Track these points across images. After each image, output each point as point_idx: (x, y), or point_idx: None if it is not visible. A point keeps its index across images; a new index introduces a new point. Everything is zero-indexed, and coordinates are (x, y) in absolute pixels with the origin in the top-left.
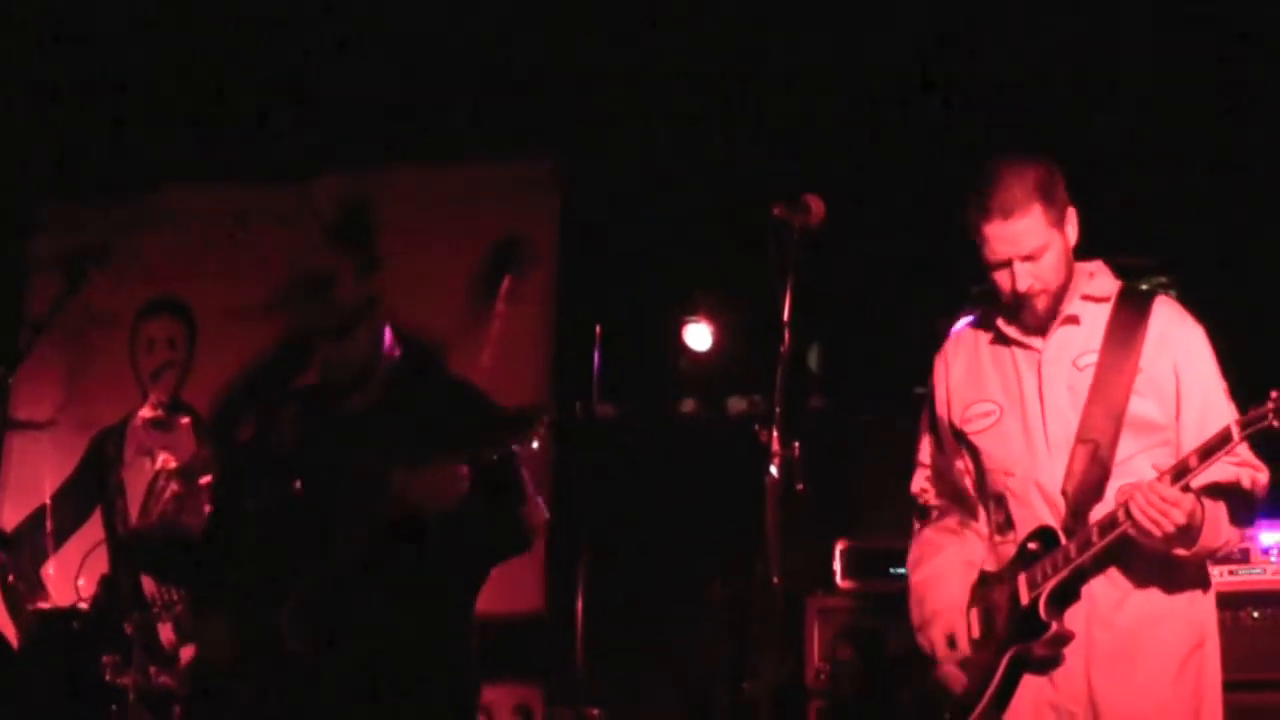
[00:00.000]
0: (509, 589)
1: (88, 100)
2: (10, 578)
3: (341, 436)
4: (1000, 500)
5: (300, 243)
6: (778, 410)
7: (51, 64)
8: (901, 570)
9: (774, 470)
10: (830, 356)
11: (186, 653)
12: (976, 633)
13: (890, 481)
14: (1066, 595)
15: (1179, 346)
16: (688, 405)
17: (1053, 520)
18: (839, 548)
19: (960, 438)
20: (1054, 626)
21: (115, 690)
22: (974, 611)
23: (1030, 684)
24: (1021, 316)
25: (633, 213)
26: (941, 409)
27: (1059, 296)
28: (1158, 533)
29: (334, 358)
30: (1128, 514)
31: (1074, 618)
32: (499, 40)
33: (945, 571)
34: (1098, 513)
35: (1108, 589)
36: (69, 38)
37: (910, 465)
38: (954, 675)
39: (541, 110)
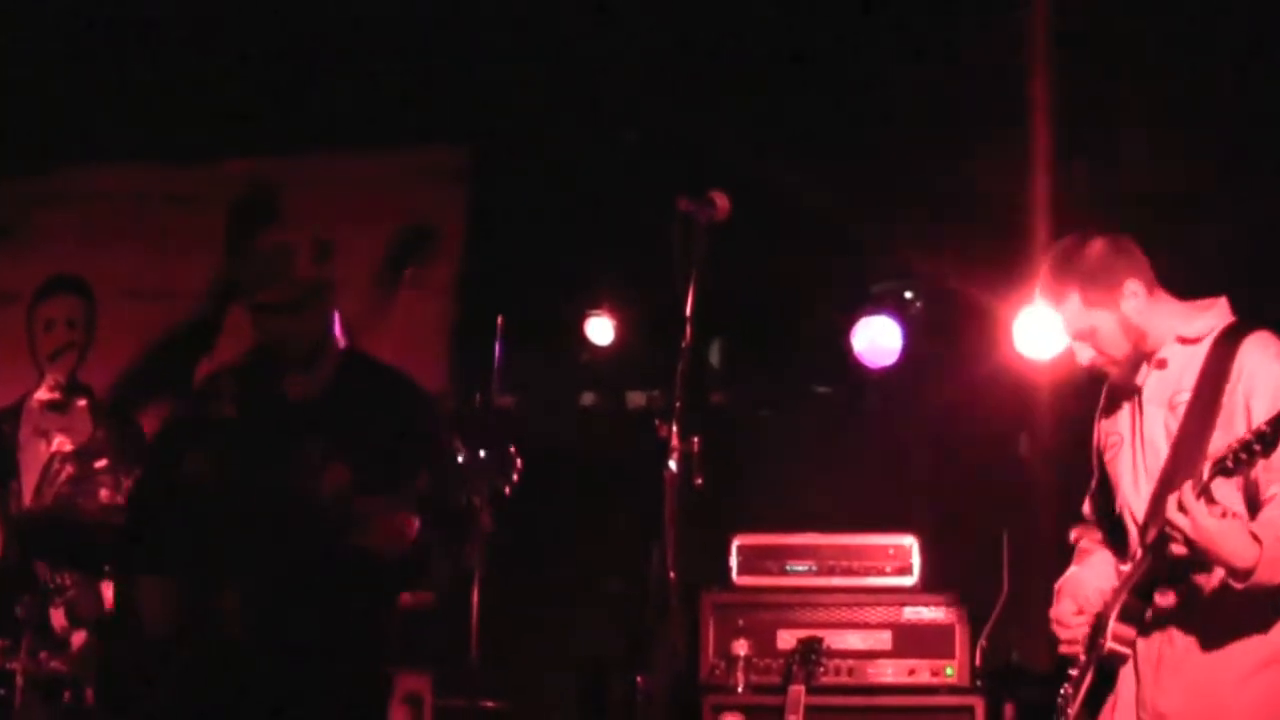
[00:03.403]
0: None
1: None
2: None
3: (281, 423)
4: (1115, 523)
5: (203, 225)
6: (678, 405)
7: None
8: (798, 567)
9: (673, 465)
10: (730, 353)
11: (78, 638)
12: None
13: (786, 478)
14: (1134, 613)
15: (1254, 379)
16: (587, 398)
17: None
18: (735, 543)
19: (1101, 462)
20: (1108, 646)
21: (4, 675)
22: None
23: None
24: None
25: (537, 204)
26: (1096, 434)
27: (1133, 358)
28: (1178, 538)
29: (282, 334)
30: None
31: (1143, 634)
32: (407, 28)
33: (1091, 565)
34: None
35: (1179, 609)
36: None
37: (808, 463)
38: (1072, 650)
39: (449, 99)
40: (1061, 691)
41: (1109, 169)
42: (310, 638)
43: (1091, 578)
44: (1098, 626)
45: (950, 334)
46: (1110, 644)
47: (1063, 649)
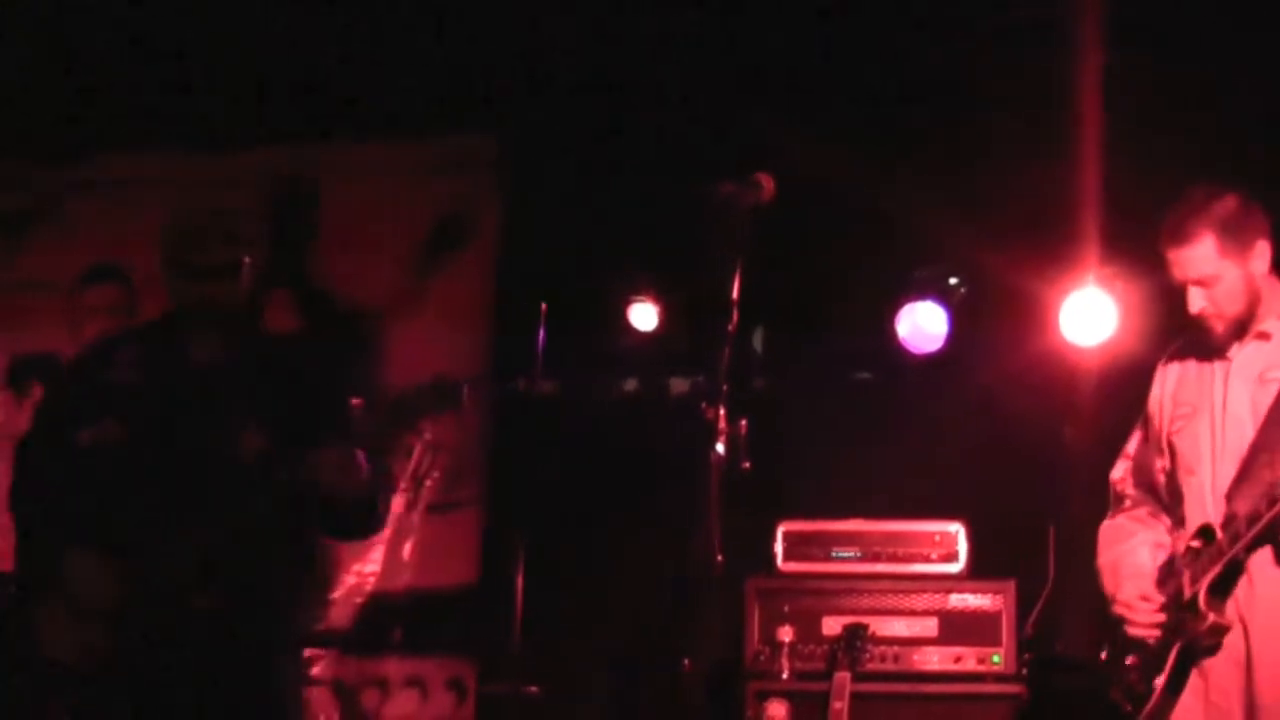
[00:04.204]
0: (442, 562)
1: (22, 64)
2: None
3: (192, 388)
4: (1178, 498)
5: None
6: (724, 388)
7: None
8: (844, 553)
9: (720, 448)
10: (773, 338)
11: None
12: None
13: (829, 464)
14: (1224, 588)
15: None
16: (630, 384)
17: (1215, 520)
18: (781, 529)
19: (1166, 438)
20: (1212, 617)
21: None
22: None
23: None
24: (1206, 334)
25: (577, 190)
26: (1154, 406)
27: (1241, 321)
28: None
29: (200, 299)
30: (1270, 504)
31: (1231, 611)
32: (443, 15)
33: (1136, 547)
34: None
35: (1267, 584)
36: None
37: (852, 447)
38: (1150, 634)
39: (485, 86)
40: (1127, 680)
41: (1157, 152)
42: (242, 604)
43: (1146, 559)
44: (1179, 607)
45: (995, 319)
46: (1212, 619)
47: (1133, 632)
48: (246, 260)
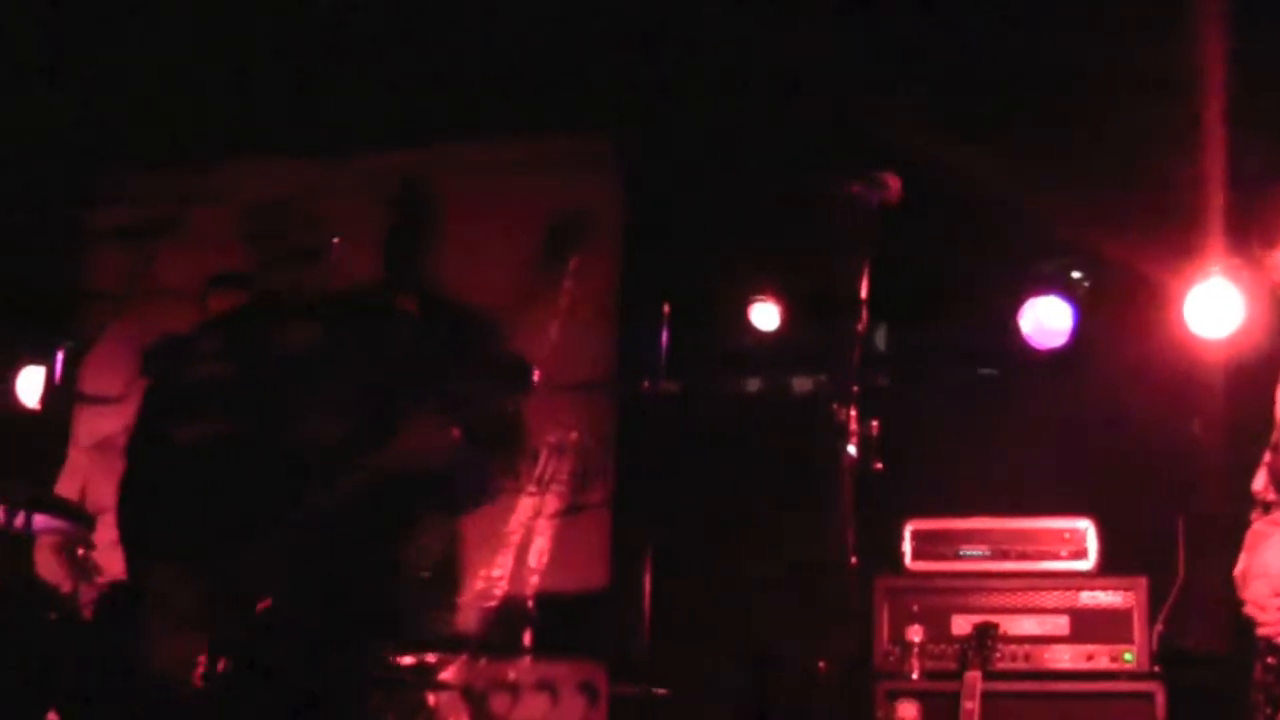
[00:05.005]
0: (571, 566)
1: (146, 73)
2: (80, 551)
3: (273, 375)
4: None
5: (355, 217)
6: (855, 388)
7: (114, 36)
8: (972, 551)
9: (851, 449)
10: (896, 336)
11: None
12: None
13: (952, 462)
14: None
15: None
16: (753, 384)
17: None
18: (909, 528)
19: None
20: None
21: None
22: None
23: None
24: None
25: (699, 189)
26: None
27: None
28: None
29: (286, 286)
30: None
31: None
32: (563, 14)
33: (1267, 549)
34: None
35: None
36: (133, 10)
37: (977, 444)
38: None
39: (607, 83)
40: (1265, 682)
41: None
42: (343, 599)
43: (1274, 559)
44: None
45: (1120, 313)
46: None
47: (1262, 632)
48: (335, 241)
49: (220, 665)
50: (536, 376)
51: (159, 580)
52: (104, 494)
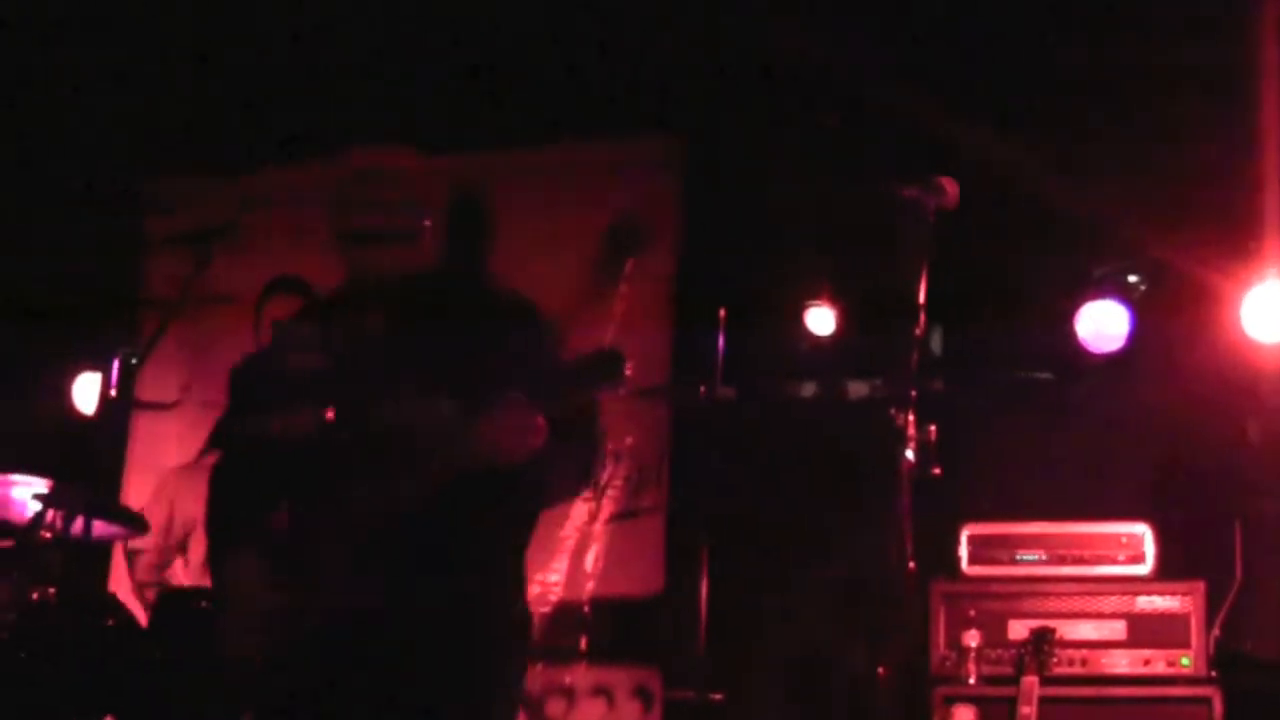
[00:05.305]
0: (629, 572)
1: (198, 78)
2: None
3: (365, 362)
4: None
5: None
6: (913, 394)
7: (165, 40)
8: (1028, 556)
9: (909, 454)
10: (951, 340)
11: None
12: None
13: (1009, 466)
14: None
15: None
16: (809, 388)
17: None
18: (965, 532)
19: None
20: None
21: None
22: None
23: None
24: None
25: (754, 193)
26: None
27: None
28: None
29: (376, 267)
30: None
31: None
32: (619, 17)
33: None
34: None
35: None
36: (182, 12)
37: (1033, 448)
38: None
39: (663, 86)
40: None
41: None
42: (445, 593)
43: None
44: None
45: (1176, 316)
46: None
47: None
48: (427, 223)
49: (302, 663)
50: (629, 370)
51: (243, 576)
52: (192, 511)
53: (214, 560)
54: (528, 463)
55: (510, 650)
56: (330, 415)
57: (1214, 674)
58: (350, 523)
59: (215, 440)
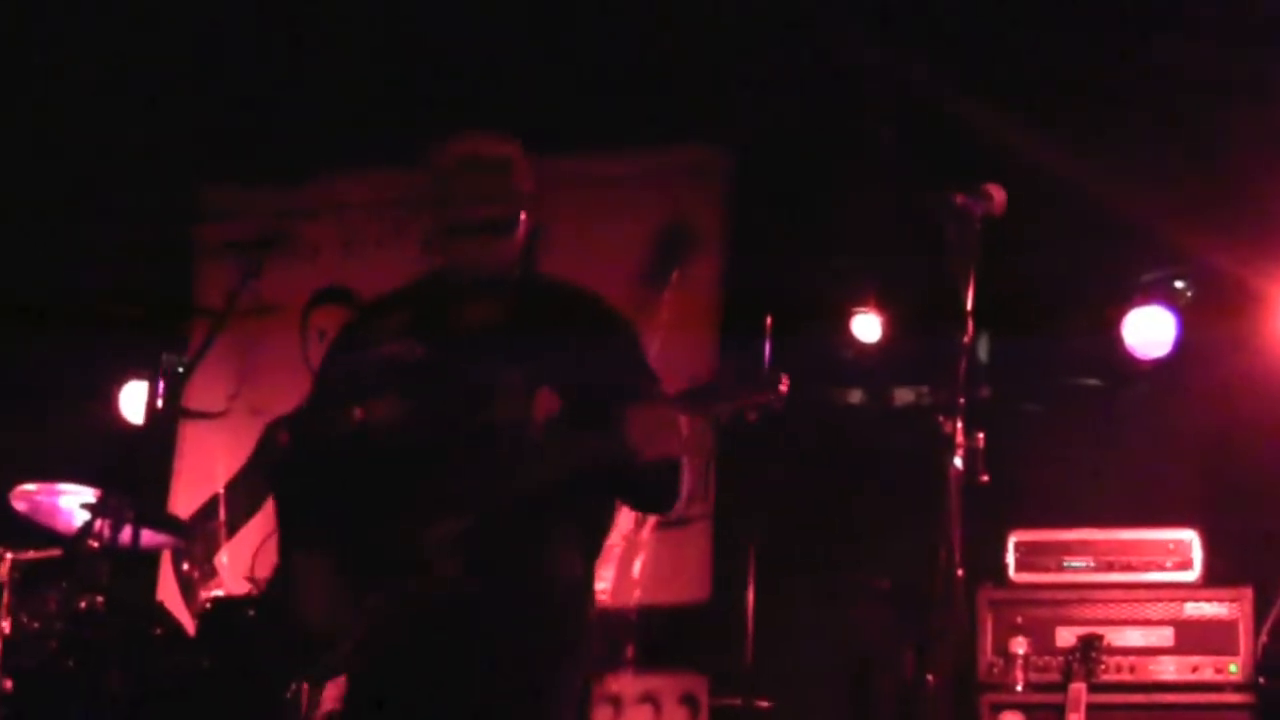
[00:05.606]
0: (675, 579)
1: (250, 87)
2: (185, 566)
3: (470, 354)
4: None
5: None
6: (961, 401)
7: (216, 50)
8: (1076, 563)
9: (958, 461)
10: (998, 346)
11: None
12: None
13: (1056, 473)
14: None
15: None
16: (855, 396)
17: None
18: (1012, 539)
19: None
20: None
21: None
22: None
23: None
24: None
25: (799, 201)
26: None
27: None
28: None
29: (475, 258)
30: None
31: None
32: (665, 26)
33: None
34: None
35: None
36: (234, 24)
37: (1080, 455)
38: None
39: (711, 96)
40: None
41: None
42: (532, 592)
43: None
44: None
45: (1223, 322)
46: None
47: None
48: (523, 216)
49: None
50: (784, 387)
51: (315, 568)
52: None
53: (286, 550)
54: (661, 466)
55: (582, 655)
56: (424, 406)
57: (1262, 680)
58: (454, 512)
59: (294, 425)
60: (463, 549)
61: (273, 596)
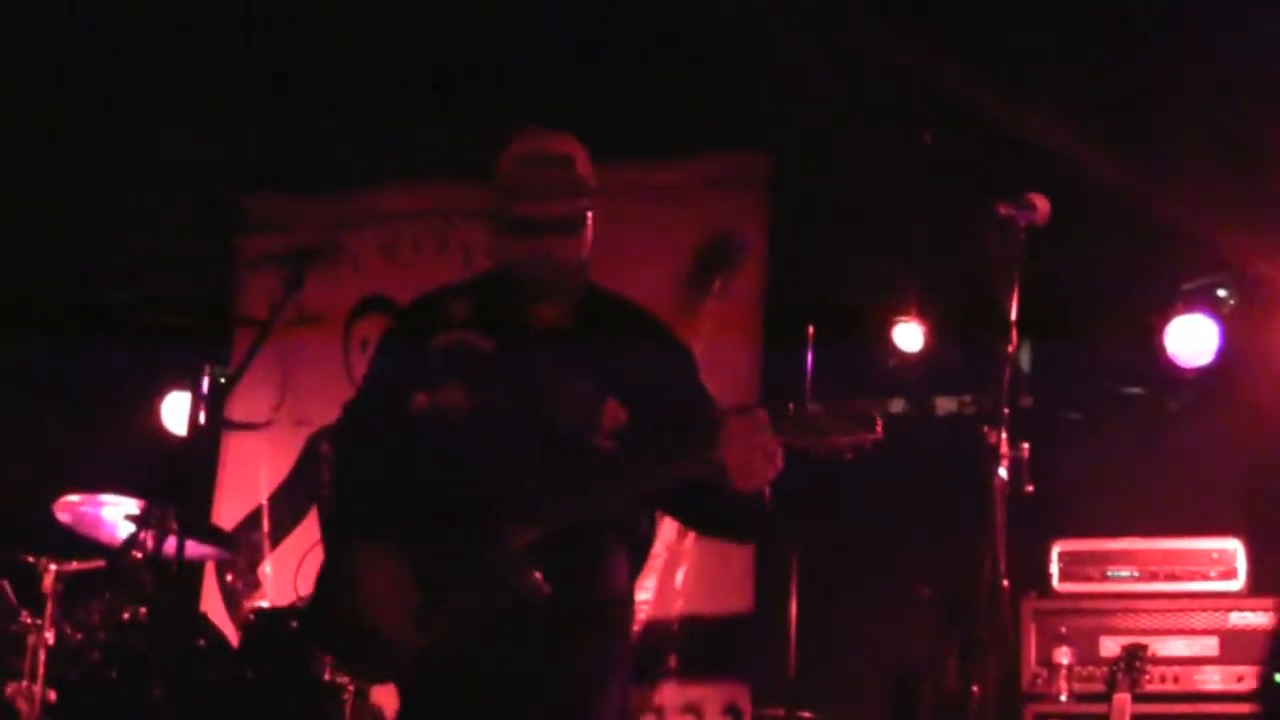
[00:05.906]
0: (719, 590)
1: (294, 98)
2: (229, 577)
3: (538, 354)
4: None
5: None
6: (1006, 411)
7: (259, 60)
8: (1120, 573)
9: (1002, 472)
10: (1040, 355)
11: None
12: None
13: (1098, 482)
14: None
15: None
16: (897, 405)
17: None
18: (1056, 549)
19: None
20: None
21: (334, 688)
22: None
23: None
24: None
25: (841, 210)
26: None
27: None
28: None
29: (541, 256)
30: None
31: None
32: (707, 36)
33: None
34: None
35: None
36: (275, 34)
37: (1123, 464)
38: None
39: (748, 105)
40: None
41: None
42: (598, 602)
43: None
44: None
45: (1266, 330)
46: None
47: None
48: (589, 214)
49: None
50: (879, 432)
51: (378, 564)
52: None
53: (344, 536)
54: (752, 498)
55: (630, 670)
56: (491, 400)
57: None
58: (527, 521)
59: (353, 412)
60: (539, 561)
61: (322, 590)
